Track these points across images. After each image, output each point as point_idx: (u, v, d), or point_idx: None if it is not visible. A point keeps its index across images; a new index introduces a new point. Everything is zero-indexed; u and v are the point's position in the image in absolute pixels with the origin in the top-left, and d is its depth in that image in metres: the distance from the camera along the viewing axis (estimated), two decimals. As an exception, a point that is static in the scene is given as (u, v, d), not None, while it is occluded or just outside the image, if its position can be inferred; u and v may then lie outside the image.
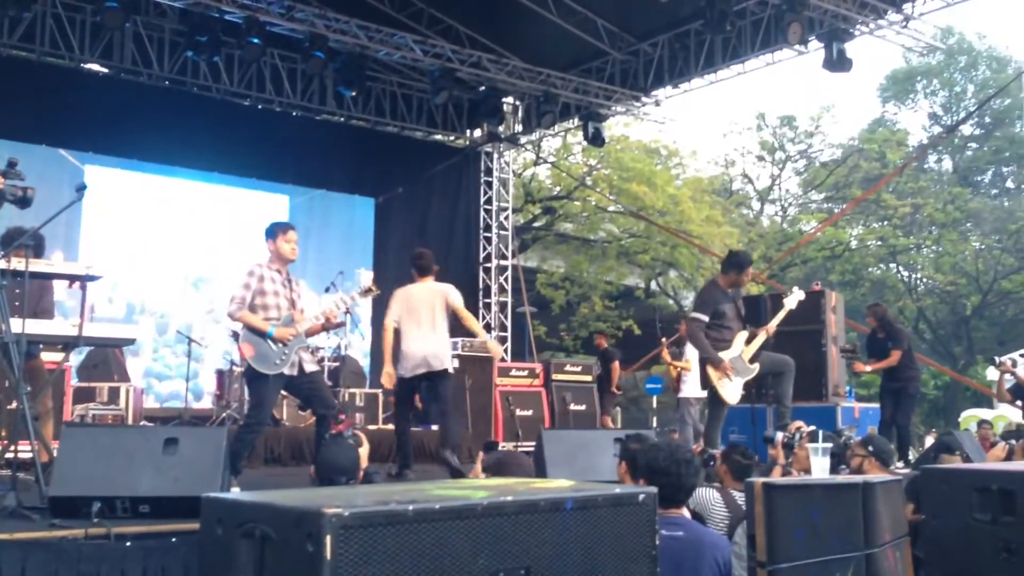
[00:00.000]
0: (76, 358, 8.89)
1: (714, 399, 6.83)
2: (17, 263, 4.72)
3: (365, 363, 12.59)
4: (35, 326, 4.86)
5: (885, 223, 29.47)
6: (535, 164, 21.16)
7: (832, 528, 3.21)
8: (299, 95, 12.64)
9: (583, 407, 11.73)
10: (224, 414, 8.85)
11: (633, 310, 23.45)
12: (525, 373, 11.57)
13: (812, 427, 5.04)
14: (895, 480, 3.70)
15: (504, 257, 14.63)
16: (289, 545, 2.03)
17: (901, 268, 31.17)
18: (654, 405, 19.84)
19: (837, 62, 10.27)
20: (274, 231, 6.00)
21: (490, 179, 14.59)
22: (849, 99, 49.30)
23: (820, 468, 3.76)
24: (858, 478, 3.67)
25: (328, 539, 1.92)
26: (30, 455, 4.41)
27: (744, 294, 7.46)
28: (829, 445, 3.91)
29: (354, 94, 12.07)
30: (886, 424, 8.91)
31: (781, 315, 7.18)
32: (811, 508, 3.19)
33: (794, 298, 7.34)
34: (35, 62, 10.96)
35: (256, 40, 10.27)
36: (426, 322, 7.06)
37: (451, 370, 7.26)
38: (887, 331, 9.17)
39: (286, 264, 6.04)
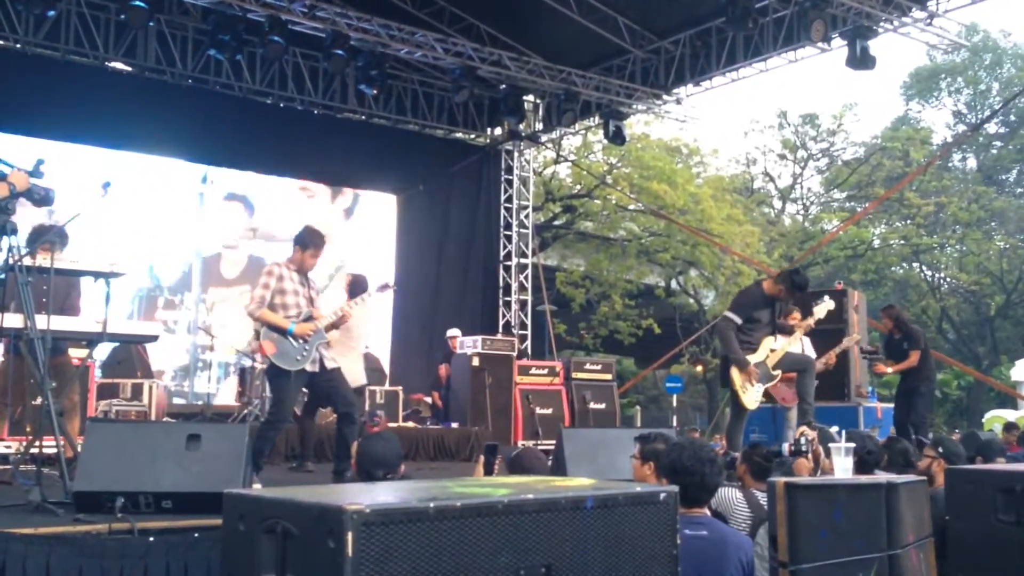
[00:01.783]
0: (100, 354, 8.97)
1: (735, 401, 6.81)
2: (42, 260, 4.77)
3: (385, 360, 12.64)
4: (60, 322, 4.90)
5: (908, 222, 29.23)
6: (556, 162, 21.15)
7: (855, 528, 3.19)
8: (321, 93, 12.68)
9: (603, 405, 11.70)
10: (246, 411, 8.90)
11: (653, 309, 23.41)
12: (545, 371, 11.56)
13: (816, 433, 5.00)
14: (919, 481, 3.67)
15: (524, 255, 14.62)
16: (311, 541, 2.04)
17: (924, 267, 30.91)
18: (674, 404, 19.79)
19: (861, 60, 10.18)
20: (307, 243, 6.04)
21: (511, 177, 14.58)
22: (872, 97, 48.98)
23: (843, 468, 3.73)
24: (881, 478, 3.64)
25: (349, 535, 1.93)
26: (55, 450, 4.45)
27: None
28: (852, 445, 3.88)
29: (375, 92, 12.10)
30: (901, 425, 8.83)
31: (808, 324, 7.14)
32: (834, 508, 3.17)
33: (823, 307, 7.27)
34: (60, 60, 11.05)
35: (278, 39, 10.31)
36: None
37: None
38: (903, 332, 9.10)
39: (304, 268, 6.12)
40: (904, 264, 30.64)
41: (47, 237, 5.06)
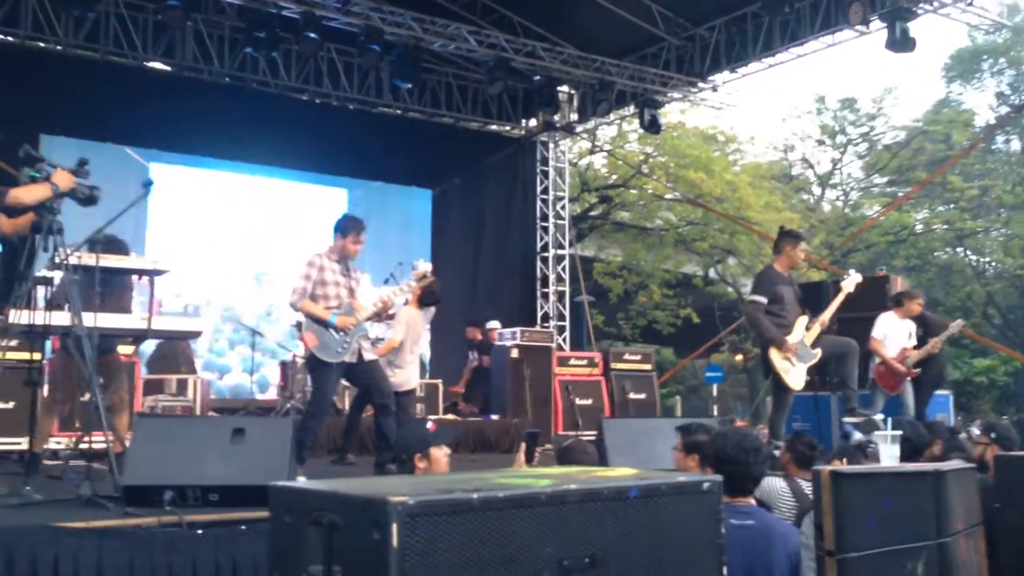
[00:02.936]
0: (145, 351, 9.11)
1: (778, 386, 6.71)
2: (89, 259, 4.85)
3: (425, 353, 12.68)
4: (106, 320, 4.98)
5: (951, 206, 28.73)
6: (591, 153, 21.06)
7: (903, 517, 3.14)
8: (355, 89, 12.74)
9: (643, 396, 11.67)
10: (288, 405, 8.99)
11: (691, 298, 23.26)
12: (584, 362, 11.55)
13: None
14: (969, 468, 3.61)
15: (561, 247, 14.60)
16: (356, 533, 2.05)
17: (969, 252, 30.37)
18: (714, 393, 19.68)
19: (900, 42, 10.01)
20: (347, 229, 6.08)
21: (546, 168, 14.56)
22: (913, 80, 48.08)
23: (889, 456, 3.68)
24: (929, 466, 3.59)
25: (394, 527, 1.94)
26: (104, 445, 4.53)
27: (805, 280, 7.36)
28: (898, 433, 3.82)
29: (410, 86, 12.13)
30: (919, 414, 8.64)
31: (838, 301, 7.03)
32: (881, 497, 3.13)
33: (851, 281, 7.17)
34: (99, 61, 11.21)
35: (313, 35, 10.39)
36: None
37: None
38: (920, 320, 8.92)
39: (346, 258, 6.12)
40: (948, 249, 30.12)
41: (90, 237, 5.14)
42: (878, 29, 10.39)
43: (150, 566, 3.50)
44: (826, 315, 6.89)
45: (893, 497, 3.16)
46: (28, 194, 4.45)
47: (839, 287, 7.22)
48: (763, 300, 6.69)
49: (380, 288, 10.05)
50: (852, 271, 7.44)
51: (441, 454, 4.15)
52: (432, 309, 7.40)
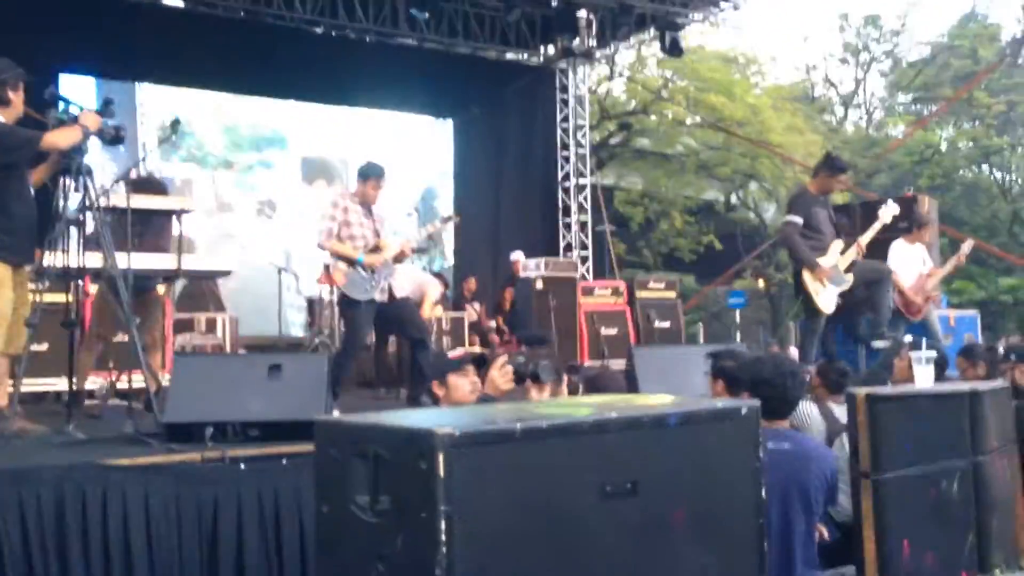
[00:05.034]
0: (174, 290, 9.19)
1: (809, 309, 6.68)
2: (120, 199, 4.88)
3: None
4: (140, 259, 5.02)
5: (977, 123, 28.20)
6: (609, 79, 20.74)
7: (939, 437, 3.17)
8: (371, 20, 12.56)
9: (668, 324, 11.68)
10: (317, 341, 9.08)
11: (713, 224, 23.12)
12: (608, 291, 11.54)
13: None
14: (1004, 388, 3.62)
15: (582, 175, 14.48)
16: (402, 464, 2.09)
17: (995, 170, 29.89)
18: (737, 320, 19.66)
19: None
20: (368, 176, 6.21)
21: (565, 96, 14.37)
22: (937, -7, 46.79)
23: (924, 377, 3.69)
24: (965, 386, 3.60)
25: (440, 457, 1.98)
26: (141, 384, 4.62)
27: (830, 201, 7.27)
28: (933, 354, 3.83)
29: (427, 16, 11.96)
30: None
31: (875, 229, 6.96)
32: (916, 417, 3.15)
33: (888, 211, 7.07)
34: (118, 1, 11.05)
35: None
36: None
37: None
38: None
39: (367, 202, 6.22)
40: (973, 167, 29.65)
41: (119, 176, 5.15)
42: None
43: (195, 500, 3.59)
44: (865, 238, 6.82)
45: (928, 417, 3.19)
46: (63, 138, 4.47)
47: (873, 213, 7.12)
48: (799, 220, 6.63)
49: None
50: (890, 201, 7.34)
51: (463, 381, 4.16)
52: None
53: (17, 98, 4.55)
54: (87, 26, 10.39)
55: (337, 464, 2.30)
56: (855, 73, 30.23)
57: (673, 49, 12.80)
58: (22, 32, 9.43)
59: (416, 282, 7.10)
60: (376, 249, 6.12)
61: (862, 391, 3.13)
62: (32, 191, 4.70)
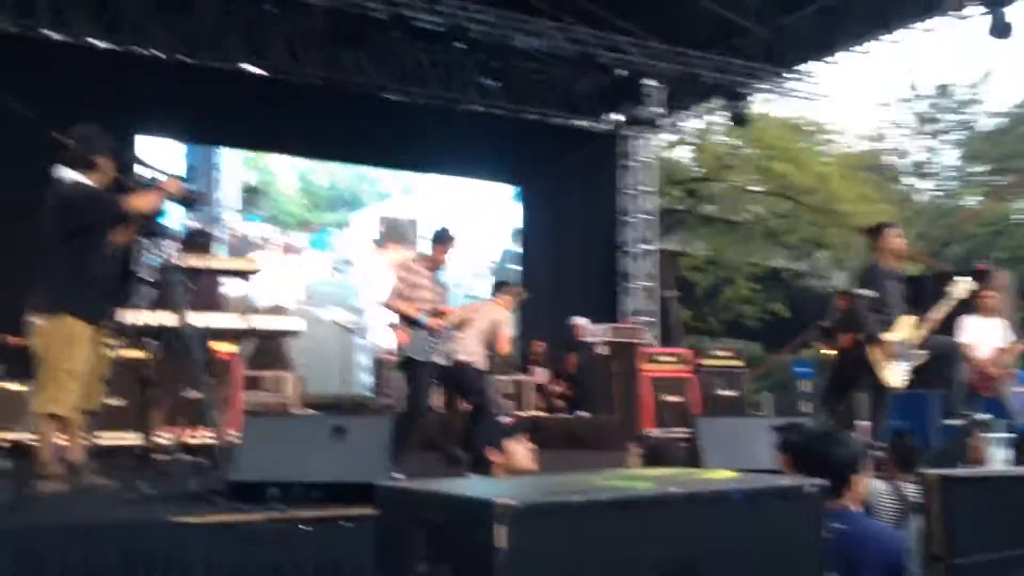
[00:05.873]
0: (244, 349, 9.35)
1: (878, 385, 6.52)
2: (192, 260, 5.03)
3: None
4: (208, 319, 5.16)
5: (1055, 194, 27.49)
6: (673, 146, 20.80)
7: (1015, 521, 3.05)
8: (441, 87, 12.83)
9: (732, 392, 11.50)
10: (383, 402, 9.14)
11: (779, 291, 22.80)
12: (673, 359, 11.42)
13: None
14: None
15: (647, 241, 14.48)
16: (462, 533, 2.09)
17: (1073, 242, 29.02)
18: (808, 389, 19.26)
19: (1003, 28, 9.65)
20: (442, 240, 6.48)
21: (626, 163, 14.46)
22: (1012, 62, 46.17)
23: (998, 458, 3.57)
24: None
25: (499, 528, 1.97)
26: (208, 442, 4.70)
27: (904, 274, 7.12)
28: (1008, 436, 3.70)
29: (496, 84, 12.19)
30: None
31: (947, 304, 6.75)
32: (992, 500, 3.04)
33: (963, 288, 6.78)
34: (197, 66, 11.48)
35: (400, 34, 10.53)
36: None
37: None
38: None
39: (437, 266, 6.43)
40: (1051, 239, 28.82)
41: (190, 238, 5.31)
42: (974, 15, 10.03)
43: (260, 561, 3.61)
44: (934, 314, 6.64)
45: (1005, 500, 3.07)
46: (144, 202, 4.65)
47: (945, 287, 6.90)
48: (869, 294, 6.53)
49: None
50: (967, 278, 7.12)
51: (518, 448, 4.10)
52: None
53: (106, 164, 4.75)
54: (170, 92, 10.81)
55: (396, 530, 2.31)
56: (926, 142, 29.82)
57: (739, 119, 12.84)
58: (106, 96, 9.87)
59: (490, 319, 7.09)
60: (439, 313, 6.25)
61: (935, 472, 3.03)
62: (112, 251, 4.87)
